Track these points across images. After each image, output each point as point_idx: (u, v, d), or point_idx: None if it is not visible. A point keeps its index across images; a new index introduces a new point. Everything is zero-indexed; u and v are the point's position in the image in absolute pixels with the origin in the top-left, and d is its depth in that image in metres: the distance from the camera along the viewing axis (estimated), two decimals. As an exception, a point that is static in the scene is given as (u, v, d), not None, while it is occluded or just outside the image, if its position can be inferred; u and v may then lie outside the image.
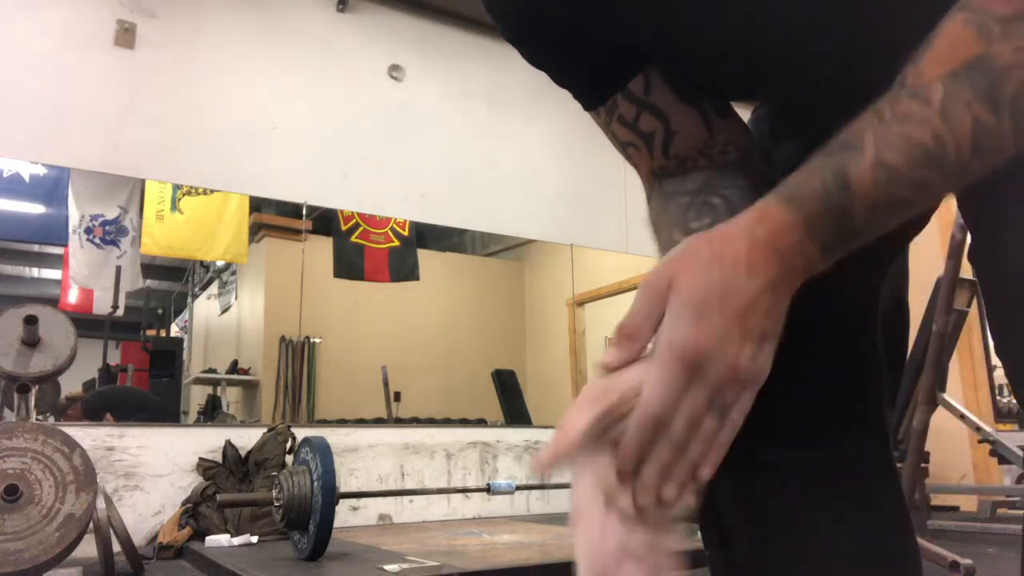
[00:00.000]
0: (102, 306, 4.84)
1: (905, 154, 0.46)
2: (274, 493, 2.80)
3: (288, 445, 3.67)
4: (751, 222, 0.49)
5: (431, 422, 5.19)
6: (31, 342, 2.52)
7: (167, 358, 5.53)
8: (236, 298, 6.19)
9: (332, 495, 2.67)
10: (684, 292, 0.47)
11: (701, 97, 0.67)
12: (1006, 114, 0.44)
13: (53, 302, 4.56)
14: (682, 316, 0.47)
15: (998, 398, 5.16)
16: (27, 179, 4.67)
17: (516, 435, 4.68)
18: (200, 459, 3.63)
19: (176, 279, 7.00)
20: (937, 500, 4.63)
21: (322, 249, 5.05)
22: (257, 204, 5.20)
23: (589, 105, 0.69)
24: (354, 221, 5.15)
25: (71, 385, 4.95)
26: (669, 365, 0.47)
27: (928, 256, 3.97)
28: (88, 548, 2.54)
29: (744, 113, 0.81)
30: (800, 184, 0.49)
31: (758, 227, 0.48)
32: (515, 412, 5.53)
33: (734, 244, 0.48)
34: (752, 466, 0.66)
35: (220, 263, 6.16)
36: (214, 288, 6.63)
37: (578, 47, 0.65)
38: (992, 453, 3.73)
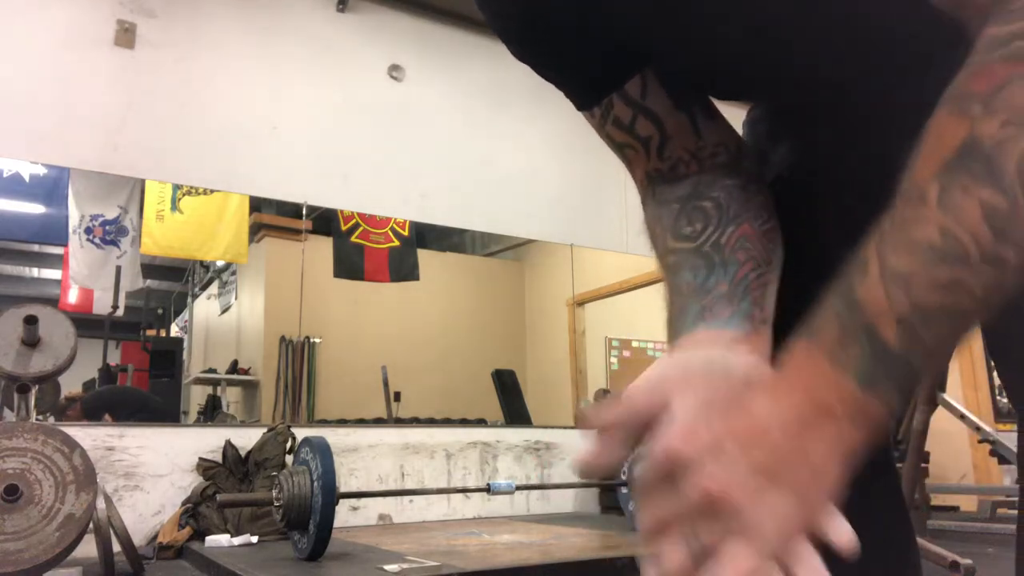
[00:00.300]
0: (102, 306, 4.84)
1: (915, 258, 0.42)
2: (274, 493, 2.80)
3: (288, 445, 3.67)
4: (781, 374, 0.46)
5: (431, 422, 5.19)
6: (31, 342, 2.52)
7: (167, 358, 5.53)
8: (236, 298, 6.19)
9: (332, 495, 2.67)
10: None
11: (692, 102, 0.67)
12: (1018, 190, 0.40)
13: (53, 302, 4.56)
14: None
15: (998, 398, 5.16)
16: (27, 179, 4.67)
17: (516, 435, 4.69)
18: (200, 459, 3.63)
19: (176, 279, 7.00)
20: (937, 500, 4.63)
21: (322, 249, 5.05)
22: (257, 204, 5.20)
23: (583, 105, 0.69)
24: (354, 221, 5.15)
25: (71, 385, 4.95)
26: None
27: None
28: (88, 548, 2.54)
29: (741, 113, 0.81)
30: (815, 318, 0.46)
31: (788, 368, 0.46)
32: (515, 412, 5.53)
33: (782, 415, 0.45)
34: None
35: (220, 263, 6.16)
36: (214, 288, 6.63)
37: (575, 47, 0.65)
38: (992, 453, 3.73)
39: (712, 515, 0.43)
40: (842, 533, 0.45)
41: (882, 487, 0.71)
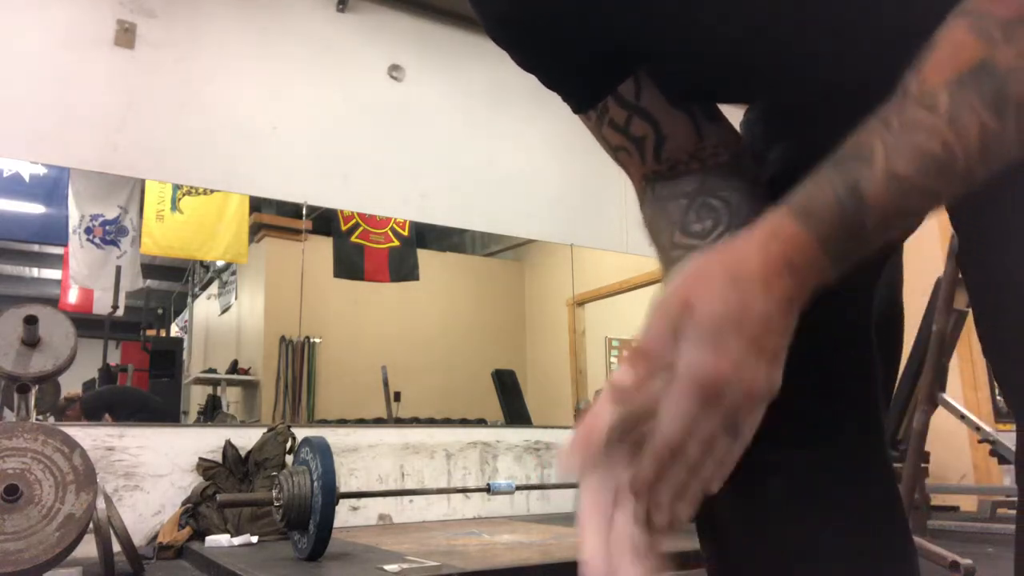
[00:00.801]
0: (102, 306, 4.84)
1: (916, 164, 0.45)
2: (274, 493, 2.81)
3: (288, 445, 3.67)
4: (764, 237, 0.48)
5: (431, 422, 5.19)
6: (31, 342, 2.52)
7: (167, 358, 5.53)
8: (236, 298, 6.19)
9: (332, 495, 2.67)
10: (701, 315, 0.46)
11: (690, 101, 0.67)
12: (1011, 118, 0.44)
13: (53, 302, 4.56)
14: (700, 341, 0.46)
15: (998, 398, 5.16)
16: (27, 179, 4.66)
17: (516, 435, 4.68)
18: (200, 459, 3.63)
19: (176, 279, 7.00)
20: (937, 500, 4.63)
21: (322, 249, 5.05)
22: (257, 204, 5.20)
23: (579, 108, 0.69)
24: (354, 221, 5.15)
25: (71, 385, 4.95)
26: (688, 393, 0.46)
27: (928, 256, 3.97)
28: (88, 548, 2.55)
29: (736, 113, 0.81)
30: (812, 197, 0.48)
31: (772, 243, 0.47)
32: (515, 412, 5.53)
33: (748, 263, 0.47)
34: (748, 467, 0.66)
35: (220, 263, 6.16)
36: (214, 288, 6.63)
37: (570, 49, 0.65)
38: (992, 453, 3.73)
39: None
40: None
41: (878, 486, 0.71)
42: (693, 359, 0.46)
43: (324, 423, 4.95)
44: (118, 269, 4.75)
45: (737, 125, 0.80)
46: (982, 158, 0.45)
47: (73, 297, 5.00)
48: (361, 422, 4.95)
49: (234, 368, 5.83)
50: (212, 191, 4.73)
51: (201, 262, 6.35)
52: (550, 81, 0.68)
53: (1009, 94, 0.43)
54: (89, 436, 3.39)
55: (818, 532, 0.66)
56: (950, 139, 0.44)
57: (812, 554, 0.66)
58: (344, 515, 3.74)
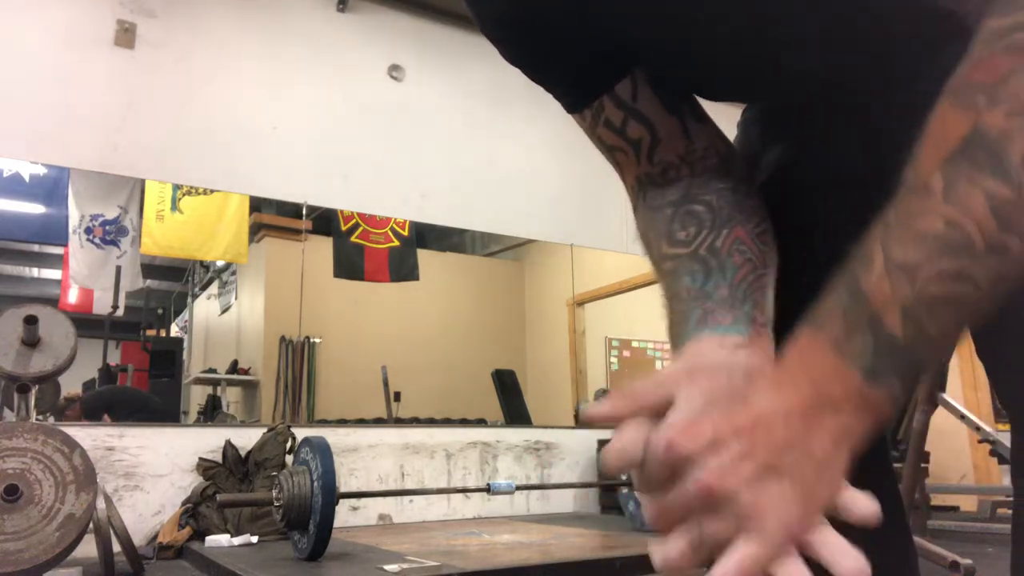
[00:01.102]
0: (102, 306, 4.84)
1: (921, 249, 0.43)
2: (274, 493, 2.80)
3: (288, 445, 3.67)
4: (794, 373, 0.47)
5: (431, 422, 5.19)
6: (31, 342, 2.52)
7: (167, 358, 5.53)
8: (236, 298, 6.19)
9: (332, 495, 2.67)
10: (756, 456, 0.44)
11: (682, 104, 0.67)
12: (1023, 179, 0.41)
13: (53, 302, 4.56)
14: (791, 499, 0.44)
15: (998, 398, 5.15)
16: (27, 179, 4.67)
17: (516, 435, 4.68)
18: (200, 459, 3.63)
19: (176, 279, 7.00)
20: (937, 500, 4.63)
21: (322, 249, 5.05)
22: (257, 204, 5.20)
23: (574, 107, 0.68)
24: (354, 221, 5.15)
25: (71, 385, 4.94)
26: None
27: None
28: (88, 548, 2.55)
29: (735, 114, 0.81)
30: (819, 310, 0.47)
31: (802, 378, 0.46)
32: (515, 412, 5.53)
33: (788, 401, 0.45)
34: None
35: (220, 263, 6.16)
36: (214, 288, 6.63)
37: (567, 48, 0.65)
38: (992, 453, 3.73)
39: (713, 509, 0.44)
40: (860, 504, 0.45)
41: (879, 488, 0.71)
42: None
43: (324, 423, 4.95)
44: (118, 269, 4.75)
45: (733, 125, 0.80)
46: (1005, 227, 0.41)
47: (73, 297, 5.01)
48: (361, 422, 4.95)
49: (234, 368, 5.83)
50: (212, 191, 4.73)
51: (201, 262, 6.35)
52: (545, 79, 0.68)
53: (1010, 157, 0.41)
54: (89, 436, 3.39)
55: None
56: (953, 215, 0.42)
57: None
58: (344, 515, 3.74)
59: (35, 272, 7.47)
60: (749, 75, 0.66)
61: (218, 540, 3.23)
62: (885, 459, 0.74)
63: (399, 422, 5.03)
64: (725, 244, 0.63)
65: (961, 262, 0.42)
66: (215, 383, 5.86)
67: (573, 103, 0.68)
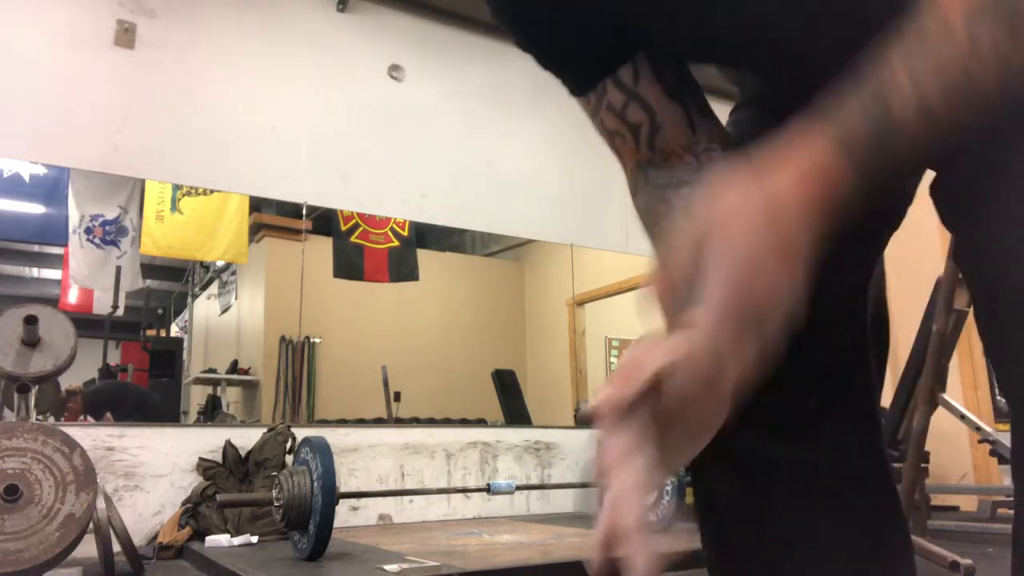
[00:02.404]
0: (102, 306, 4.84)
1: (940, 91, 0.46)
2: (274, 493, 2.81)
3: (288, 445, 3.67)
4: (803, 170, 0.48)
5: (431, 422, 5.19)
6: (31, 342, 2.52)
7: (167, 358, 5.54)
8: (236, 298, 6.19)
9: (332, 495, 2.67)
10: (736, 254, 0.47)
11: (686, 94, 0.68)
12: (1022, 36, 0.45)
13: (53, 302, 4.56)
14: (736, 274, 0.46)
15: (998, 398, 5.16)
16: (27, 179, 4.67)
17: (516, 435, 4.68)
18: (200, 459, 3.63)
19: (176, 279, 7.00)
20: (937, 500, 4.63)
21: (322, 249, 5.05)
22: (257, 204, 5.20)
23: (579, 90, 0.69)
24: (354, 221, 5.15)
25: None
26: (723, 324, 0.46)
27: (928, 256, 3.97)
28: (88, 548, 2.54)
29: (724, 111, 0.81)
30: (848, 129, 0.48)
31: (812, 180, 0.48)
32: (515, 412, 5.53)
33: (787, 200, 0.47)
34: (749, 464, 0.67)
35: (220, 263, 6.16)
36: (214, 288, 6.63)
37: (574, 30, 0.66)
38: (992, 453, 3.73)
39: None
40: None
41: (874, 480, 0.72)
42: (730, 292, 0.46)
43: (324, 423, 4.95)
44: (118, 269, 4.75)
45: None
46: (999, 86, 0.45)
47: (73, 297, 5.01)
48: (361, 422, 4.95)
49: (234, 368, 5.83)
50: (212, 191, 4.73)
51: (201, 262, 6.35)
52: (552, 62, 0.69)
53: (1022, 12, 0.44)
54: (89, 436, 3.39)
55: (816, 527, 0.67)
56: (972, 68, 0.45)
57: (812, 548, 0.67)
58: (344, 515, 3.74)
59: (35, 272, 7.47)
60: (749, 54, 0.67)
61: (218, 540, 3.23)
62: (880, 454, 0.74)
63: (399, 422, 5.03)
64: None
65: (961, 111, 0.46)
66: (215, 383, 5.86)
67: (579, 86, 0.69)
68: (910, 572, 0.72)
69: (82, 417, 4.58)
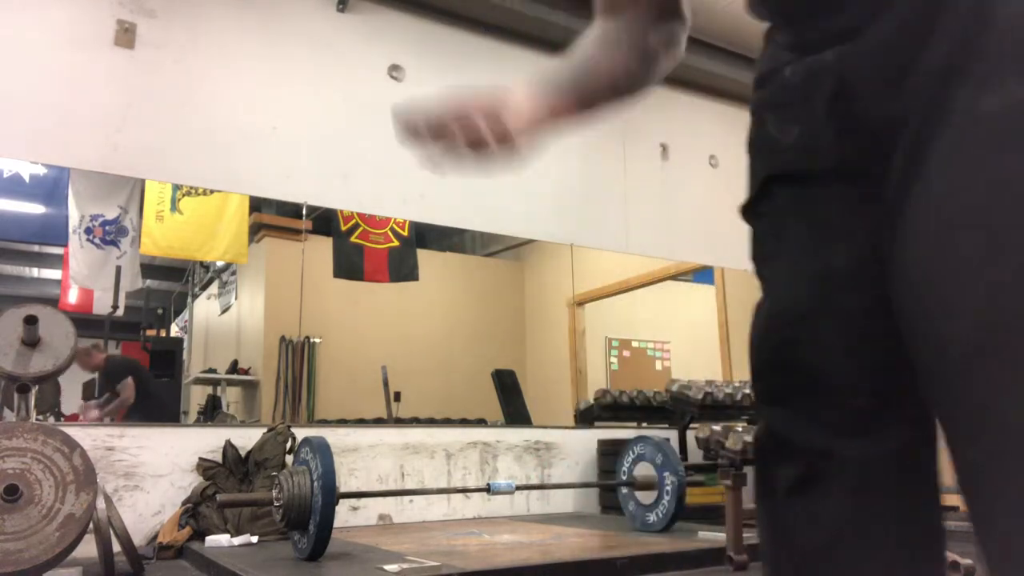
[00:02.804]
0: (102, 306, 4.84)
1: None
2: (274, 493, 2.81)
3: (288, 445, 3.67)
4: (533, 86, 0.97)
5: (431, 422, 5.19)
6: (31, 342, 2.52)
7: (167, 358, 5.54)
8: (236, 298, 6.19)
9: (332, 495, 2.68)
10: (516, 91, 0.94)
11: None
12: None
13: (53, 302, 4.56)
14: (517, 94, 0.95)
15: (998, 398, 5.16)
16: (27, 179, 4.67)
17: (516, 435, 4.68)
18: (200, 459, 3.63)
19: (176, 279, 7.00)
20: (937, 500, 4.64)
21: (322, 249, 5.05)
22: (257, 204, 5.20)
23: None
24: (354, 221, 5.15)
25: (71, 385, 4.96)
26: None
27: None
28: (88, 548, 2.55)
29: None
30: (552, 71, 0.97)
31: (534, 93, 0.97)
32: (515, 412, 5.53)
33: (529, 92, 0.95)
34: (809, 456, 0.74)
35: (220, 263, 6.17)
36: (214, 288, 6.63)
37: None
38: (992, 453, 3.73)
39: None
40: None
41: (928, 489, 0.83)
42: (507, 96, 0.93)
43: (324, 423, 4.95)
44: (118, 269, 4.76)
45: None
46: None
47: (73, 297, 5.01)
48: (361, 422, 4.95)
49: (234, 368, 5.83)
50: (212, 191, 4.73)
51: (201, 262, 6.35)
52: None
53: None
54: (89, 436, 3.39)
55: (868, 517, 0.73)
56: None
57: (863, 537, 0.73)
58: (344, 515, 3.74)
59: (35, 272, 7.47)
60: None
61: (218, 540, 3.24)
62: (934, 459, 0.80)
63: (399, 422, 5.03)
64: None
65: None
66: (215, 383, 5.86)
67: None
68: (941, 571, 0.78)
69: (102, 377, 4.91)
